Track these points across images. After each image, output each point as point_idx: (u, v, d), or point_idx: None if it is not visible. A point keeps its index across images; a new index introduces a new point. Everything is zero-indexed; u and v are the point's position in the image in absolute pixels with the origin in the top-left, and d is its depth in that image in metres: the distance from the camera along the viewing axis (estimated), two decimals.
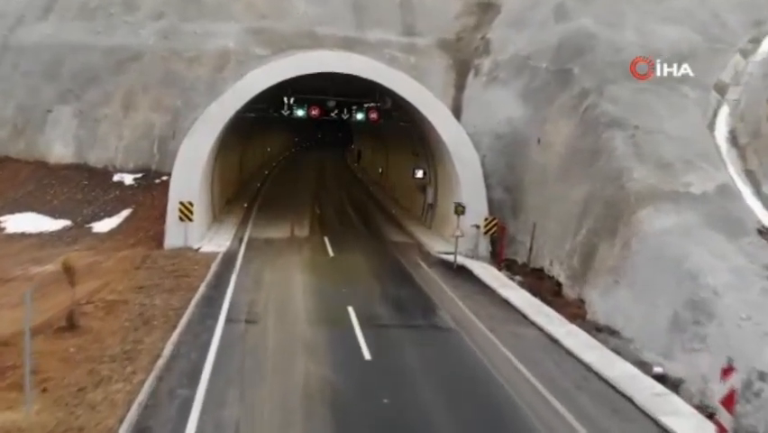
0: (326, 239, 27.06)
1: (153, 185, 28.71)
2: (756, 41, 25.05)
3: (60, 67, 31.52)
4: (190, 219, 23.01)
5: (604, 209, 19.40)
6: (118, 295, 16.80)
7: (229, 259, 22.19)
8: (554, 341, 15.31)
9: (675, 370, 13.95)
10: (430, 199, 31.14)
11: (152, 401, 10.88)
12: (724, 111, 22.59)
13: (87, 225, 26.21)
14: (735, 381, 9.28)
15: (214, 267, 20.43)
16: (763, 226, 16.91)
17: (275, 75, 25.72)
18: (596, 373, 13.39)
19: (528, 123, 25.29)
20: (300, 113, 29.93)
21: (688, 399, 12.81)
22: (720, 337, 13.74)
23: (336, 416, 10.90)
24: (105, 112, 30.57)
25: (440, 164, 28.85)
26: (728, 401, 9.17)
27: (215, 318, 15.51)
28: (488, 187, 25.53)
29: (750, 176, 19.70)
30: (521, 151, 25.31)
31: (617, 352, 14.85)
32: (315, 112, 30.06)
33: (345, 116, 31.43)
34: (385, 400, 11.50)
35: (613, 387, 12.74)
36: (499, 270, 23.03)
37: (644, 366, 14.11)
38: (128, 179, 29.51)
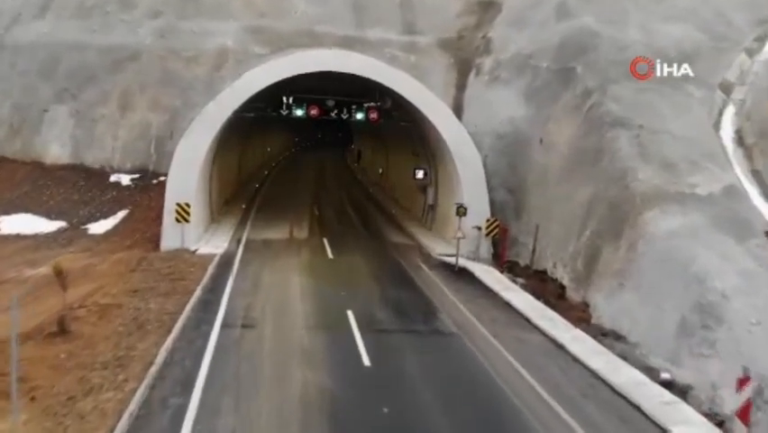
0: (325, 240, 26.70)
1: (150, 186, 28.38)
2: (762, 40, 24.71)
3: (57, 66, 31.22)
4: (187, 221, 22.67)
5: (608, 210, 19.04)
6: (112, 299, 16.45)
7: (226, 261, 21.82)
8: (559, 346, 14.94)
9: (683, 376, 13.59)
10: (431, 200, 30.78)
11: (144, 411, 10.52)
12: (729, 110, 22.27)
13: (83, 227, 25.90)
14: (750, 391, 8.91)
15: (210, 269, 20.07)
16: None
17: (273, 74, 25.37)
18: (602, 380, 13.03)
19: (530, 122, 24.92)
20: (299, 112, 29.55)
21: (697, 406, 12.44)
22: (730, 343, 13.39)
23: (334, 426, 10.56)
24: (102, 112, 30.28)
25: (441, 164, 28.49)
26: (744, 413, 8.82)
27: (211, 323, 15.13)
28: (489, 187, 25.17)
29: (757, 176, 19.39)
30: (523, 151, 24.95)
31: (624, 357, 14.49)
32: (314, 111, 29.69)
33: (345, 116, 31.03)
34: (385, 410, 11.13)
35: (620, 394, 12.38)
36: (501, 272, 22.67)
37: (651, 372, 13.76)
38: (125, 179, 29.21)
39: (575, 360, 14.19)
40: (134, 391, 10.91)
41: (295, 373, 12.56)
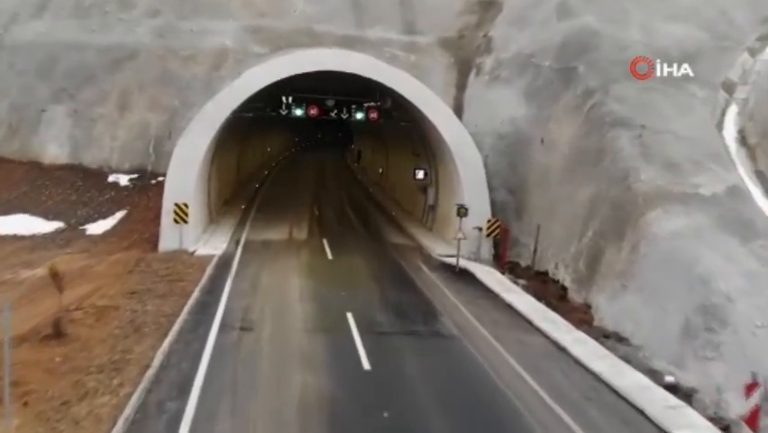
0: (325, 241, 26.49)
1: (149, 186, 28.23)
2: (765, 39, 24.52)
3: (55, 65, 31.06)
4: (185, 221, 22.48)
5: (610, 211, 18.85)
6: (109, 300, 16.26)
7: (225, 262, 21.62)
8: (561, 349, 14.74)
9: (687, 379, 13.42)
10: (431, 200, 30.58)
11: (140, 415, 10.34)
12: (732, 110, 22.10)
13: (81, 227, 25.71)
14: (758, 397, 8.73)
15: (209, 271, 19.88)
16: None
17: (272, 73, 25.15)
18: (605, 384, 12.83)
19: (531, 122, 24.74)
20: (299, 112, 29.34)
21: (701, 410, 12.26)
22: (735, 346, 13.23)
23: (333, 432, 10.35)
24: (101, 111, 30.14)
25: (441, 165, 28.30)
26: (752, 419, 8.64)
27: (209, 326, 14.93)
28: (490, 188, 24.97)
29: (760, 177, 19.23)
30: (524, 151, 24.76)
31: (626, 360, 14.30)
32: (313, 111, 29.48)
33: (345, 116, 30.82)
34: (385, 415, 10.94)
35: (624, 398, 12.18)
36: (502, 273, 22.46)
37: (655, 375, 13.58)
38: (123, 179, 29.06)
39: (578, 363, 13.99)
40: (130, 395, 10.73)
41: (294, 376, 12.36)
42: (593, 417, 11.50)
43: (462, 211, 23.21)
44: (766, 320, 13.30)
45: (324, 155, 69.69)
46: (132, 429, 9.89)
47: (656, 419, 11.28)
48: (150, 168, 29.11)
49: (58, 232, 25.34)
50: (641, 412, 11.62)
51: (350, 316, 16.22)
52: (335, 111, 30.47)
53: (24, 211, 26.76)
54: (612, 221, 18.59)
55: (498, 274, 22.21)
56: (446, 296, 19.38)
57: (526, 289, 20.37)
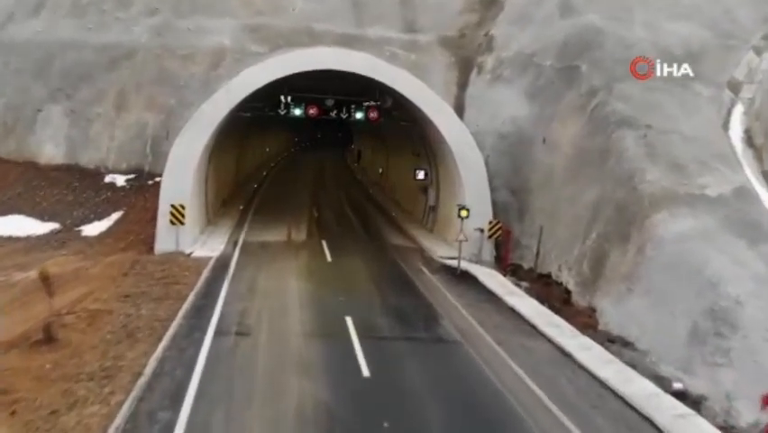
0: (324, 243, 26.10)
1: (146, 186, 27.85)
2: None
3: (51, 65, 30.68)
4: (182, 223, 22.11)
5: (615, 212, 18.48)
6: (102, 304, 15.86)
7: (222, 264, 21.24)
8: (566, 355, 14.36)
9: (696, 386, 13.08)
10: (432, 201, 30.21)
11: (130, 426, 9.98)
12: (738, 110, 21.77)
13: (77, 229, 25.33)
14: None
15: (205, 273, 19.50)
16: None
17: (270, 72, 24.78)
18: (612, 391, 12.47)
19: (534, 122, 24.38)
20: (297, 112, 28.95)
21: (711, 418, 11.92)
22: (745, 351, 12.89)
23: None
24: (98, 111, 29.75)
25: (442, 165, 27.93)
26: None
27: (204, 331, 14.53)
28: (491, 188, 24.60)
29: (767, 177, 18.85)
30: (526, 151, 24.39)
31: (633, 365, 13.94)
32: (312, 111, 29.10)
33: (344, 116, 30.43)
34: (385, 424, 10.57)
35: (631, 406, 11.82)
36: (505, 275, 22.09)
37: (662, 381, 13.22)
38: (120, 180, 28.67)
39: (583, 369, 13.62)
40: (121, 404, 10.36)
41: (291, 384, 11.98)
42: (599, 425, 11.15)
43: (464, 212, 22.79)
44: None
45: (324, 155, 69.35)
46: None
47: (665, 428, 10.93)
48: (147, 168, 28.73)
49: (53, 233, 24.98)
50: (649, 421, 11.26)
51: (349, 320, 15.83)
52: (335, 111, 30.09)
53: (20, 212, 26.38)
54: (617, 223, 18.22)
55: (500, 277, 21.83)
56: (447, 299, 19.00)
57: (529, 291, 20.00)
